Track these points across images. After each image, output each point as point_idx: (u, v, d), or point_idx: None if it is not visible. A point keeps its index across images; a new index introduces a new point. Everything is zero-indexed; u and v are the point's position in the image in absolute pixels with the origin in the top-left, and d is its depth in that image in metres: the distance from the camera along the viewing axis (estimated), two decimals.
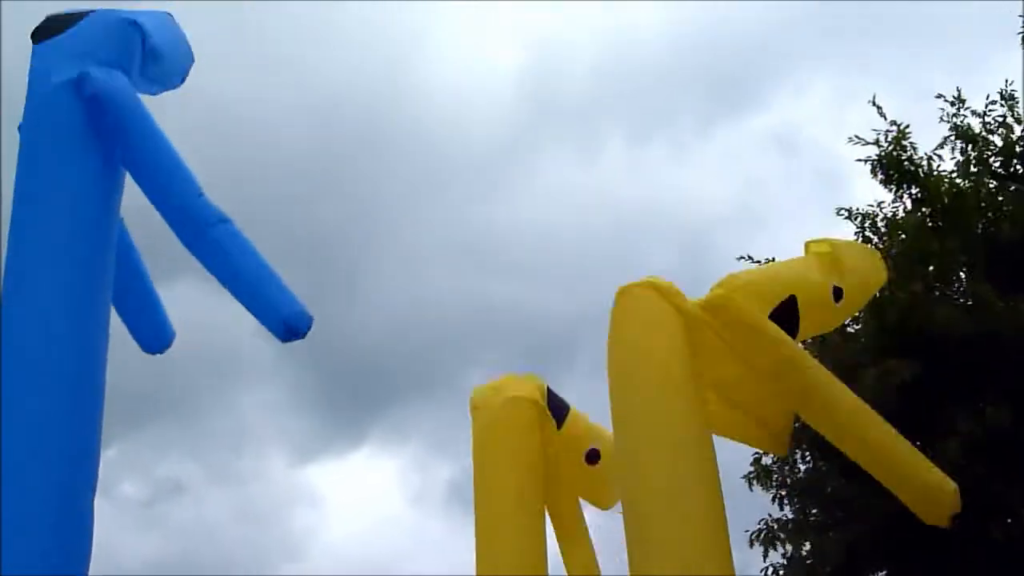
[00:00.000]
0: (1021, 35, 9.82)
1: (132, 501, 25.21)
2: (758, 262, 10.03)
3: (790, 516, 10.47)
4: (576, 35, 26.42)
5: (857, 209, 10.19)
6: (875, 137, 9.95)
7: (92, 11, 5.31)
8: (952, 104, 9.84)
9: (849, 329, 9.72)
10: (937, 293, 9.26)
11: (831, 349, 9.19)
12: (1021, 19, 9.86)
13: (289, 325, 4.64)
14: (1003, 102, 9.91)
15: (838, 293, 5.39)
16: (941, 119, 9.82)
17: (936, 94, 9.83)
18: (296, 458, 28.19)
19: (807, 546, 10.27)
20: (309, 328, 4.72)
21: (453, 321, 22.99)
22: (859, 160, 9.98)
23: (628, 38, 26.11)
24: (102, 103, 5.04)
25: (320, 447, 28.90)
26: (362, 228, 23.72)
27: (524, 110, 25.06)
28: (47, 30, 5.30)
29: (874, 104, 9.89)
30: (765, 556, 10.44)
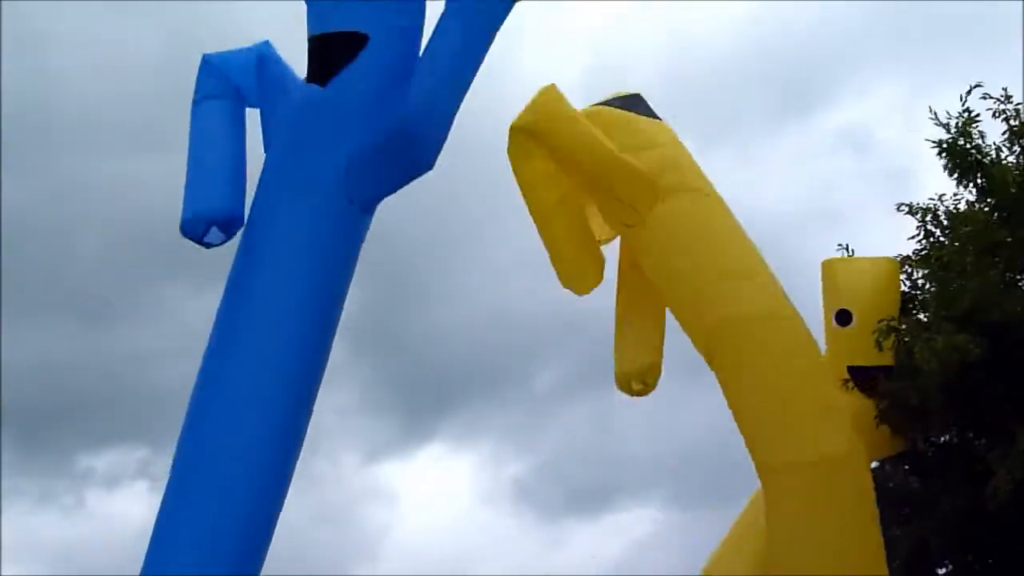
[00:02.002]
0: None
1: None
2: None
3: None
4: (641, 41, 26.56)
5: (918, 204, 10.07)
6: (946, 120, 9.82)
7: None
8: (1000, 102, 9.68)
9: (920, 316, 9.64)
10: (1004, 284, 9.11)
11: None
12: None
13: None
14: None
15: None
16: (994, 115, 9.68)
17: (982, 94, 9.67)
18: (369, 457, 28.67)
19: None
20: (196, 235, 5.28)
21: (525, 327, 23.24)
22: (927, 140, 9.83)
23: (693, 43, 26.19)
24: None
25: (393, 446, 29.36)
26: (441, 237, 24.07)
27: None
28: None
29: (932, 113, 9.80)
30: None
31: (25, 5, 20.32)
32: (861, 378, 7.87)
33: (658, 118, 8.47)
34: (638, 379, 8.02)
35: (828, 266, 8.65)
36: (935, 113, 9.77)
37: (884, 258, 8.77)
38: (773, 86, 26.09)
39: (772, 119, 27.03)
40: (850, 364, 7.92)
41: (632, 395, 8.18)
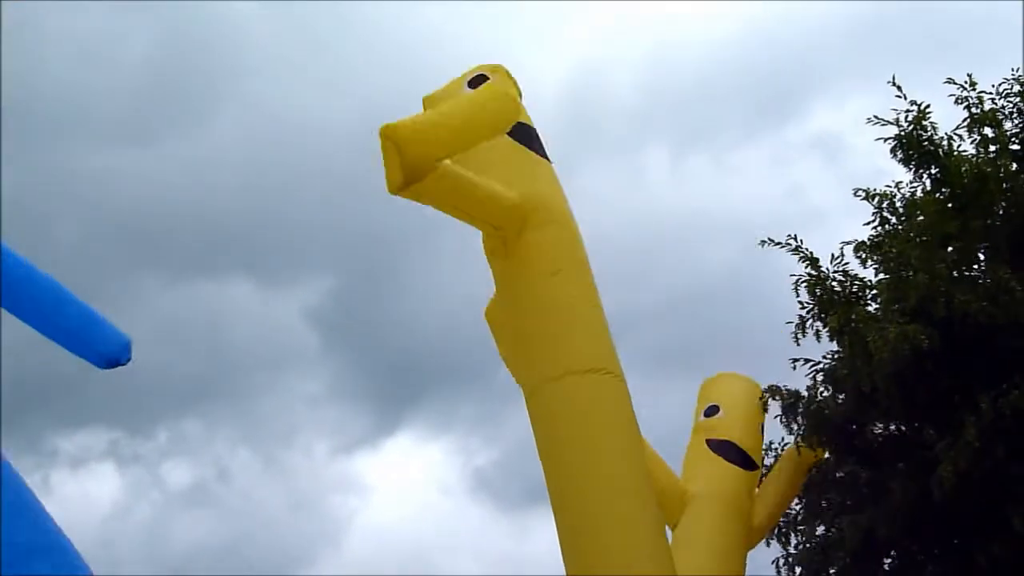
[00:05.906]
0: None
1: (179, 485, 25.75)
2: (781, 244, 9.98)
3: (797, 507, 10.48)
4: (625, 51, 26.98)
5: (874, 190, 10.00)
6: (895, 117, 9.74)
7: None
8: (964, 88, 9.63)
9: (869, 308, 9.59)
10: (956, 274, 9.09)
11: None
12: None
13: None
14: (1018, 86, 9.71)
15: None
16: (956, 101, 9.63)
17: (946, 79, 9.62)
18: (340, 446, 28.54)
19: (820, 530, 10.23)
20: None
21: None
22: (878, 139, 9.79)
23: (672, 55, 26.64)
24: None
25: (363, 436, 29.28)
26: (415, 227, 24.03)
27: (572, 122, 25.75)
28: None
29: (894, 84, 9.69)
30: (785, 547, 10.43)
31: None
32: (718, 448, 9.51)
33: (547, 157, 8.73)
34: None
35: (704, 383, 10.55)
36: (877, 117, 9.67)
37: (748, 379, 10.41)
38: (749, 95, 26.65)
39: (748, 126, 27.57)
40: (707, 438, 9.60)
41: None
